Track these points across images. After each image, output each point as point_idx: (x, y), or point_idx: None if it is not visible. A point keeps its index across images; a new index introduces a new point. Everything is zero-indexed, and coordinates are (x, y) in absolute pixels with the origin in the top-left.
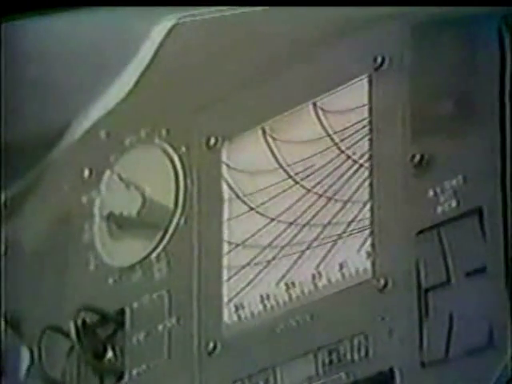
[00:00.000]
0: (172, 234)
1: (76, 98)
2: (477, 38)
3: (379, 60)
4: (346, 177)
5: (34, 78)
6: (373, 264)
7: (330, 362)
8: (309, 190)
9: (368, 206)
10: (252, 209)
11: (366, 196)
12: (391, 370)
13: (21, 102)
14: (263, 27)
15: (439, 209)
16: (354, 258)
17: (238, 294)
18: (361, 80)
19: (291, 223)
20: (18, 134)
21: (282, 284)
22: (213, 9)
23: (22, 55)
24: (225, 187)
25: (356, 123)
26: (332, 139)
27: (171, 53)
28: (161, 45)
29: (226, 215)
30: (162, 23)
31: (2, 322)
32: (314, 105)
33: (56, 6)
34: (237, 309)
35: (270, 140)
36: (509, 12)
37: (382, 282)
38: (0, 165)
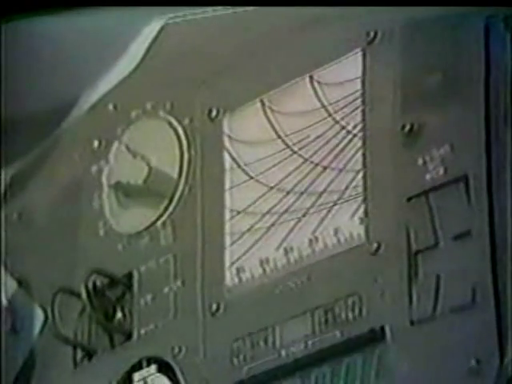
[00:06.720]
0: (177, 202)
1: (82, 79)
2: (463, 17)
3: (372, 35)
4: (340, 146)
5: (45, 59)
6: (366, 229)
7: (326, 321)
8: (305, 160)
9: (361, 174)
10: (252, 178)
11: (359, 165)
12: (382, 328)
13: (33, 78)
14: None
15: (428, 176)
16: (348, 223)
17: (239, 258)
18: (355, 54)
19: (289, 191)
20: (31, 107)
21: (280, 248)
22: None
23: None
24: (226, 157)
25: (350, 95)
26: (327, 110)
27: (174, 35)
28: (163, 28)
29: (227, 184)
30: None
31: (15, 284)
32: (311, 78)
33: (55, 7)
34: (238, 272)
35: (268, 112)
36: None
37: (375, 245)
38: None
